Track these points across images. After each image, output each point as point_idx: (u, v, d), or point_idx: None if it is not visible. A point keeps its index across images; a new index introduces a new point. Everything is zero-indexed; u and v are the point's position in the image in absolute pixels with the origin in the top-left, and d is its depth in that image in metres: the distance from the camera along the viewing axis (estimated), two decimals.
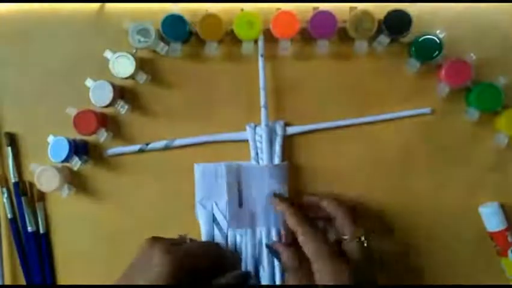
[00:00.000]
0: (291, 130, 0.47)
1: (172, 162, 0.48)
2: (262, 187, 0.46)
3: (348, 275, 0.38)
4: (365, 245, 0.41)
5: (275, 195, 0.45)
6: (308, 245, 0.40)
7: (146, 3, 0.47)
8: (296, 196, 0.47)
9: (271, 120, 0.47)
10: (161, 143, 0.48)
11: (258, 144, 0.46)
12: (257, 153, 0.46)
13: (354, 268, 0.39)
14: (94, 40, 0.48)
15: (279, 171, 0.46)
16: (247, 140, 0.47)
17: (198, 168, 0.48)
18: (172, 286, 0.37)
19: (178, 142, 0.48)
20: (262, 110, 0.45)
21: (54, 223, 0.49)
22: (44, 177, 0.46)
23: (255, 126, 0.47)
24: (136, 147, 0.48)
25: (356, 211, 0.46)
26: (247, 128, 0.47)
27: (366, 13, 0.43)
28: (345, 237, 0.41)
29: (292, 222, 0.42)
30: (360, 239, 0.41)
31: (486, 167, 0.47)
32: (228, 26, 0.45)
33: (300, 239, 0.41)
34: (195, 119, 0.48)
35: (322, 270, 0.39)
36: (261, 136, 0.46)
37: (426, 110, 0.46)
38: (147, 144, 0.48)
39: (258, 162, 0.46)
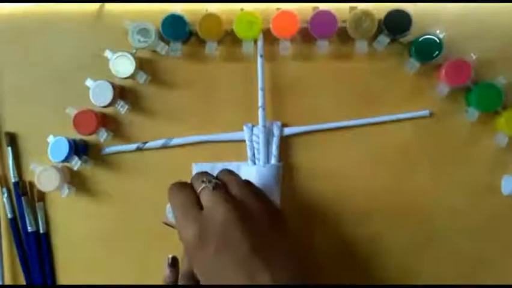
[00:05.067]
0: (288, 131, 0.47)
1: (171, 162, 0.48)
2: None
3: (196, 226, 0.34)
4: (211, 188, 0.36)
5: None
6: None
7: (146, 3, 0.47)
8: (292, 197, 0.47)
9: (270, 121, 0.46)
10: (159, 142, 0.48)
11: (255, 145, 0.46)
12: (254, 154, 0.46)
13: (206, 220, 0.34)
14: (94, 40, 0.48)
15: (269, 172, 0.45)
16: (244, 140, 0.47)
17: (196, 168, 0.48)
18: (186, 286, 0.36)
19: (175, 141, 0.48)
20: (260, 111, 0.45)
21: (54, 223, 0.49)
22: (44, 177, 0.46)
23: (252, 126, 0.47)
24: (133, 145, 0.48)
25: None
26: (244, 128, 0.47)
27: (366, 13, 0.43)
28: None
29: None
30: (206, 185, 0.36)
31: (486, 167, 0.47)
32: (228, 26, 0.45)
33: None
34: (195, 119, 0.48)
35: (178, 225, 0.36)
36: (258, 136, 0.46)
37: (425, 112, 0.46)
38: (144, 143, 0.48)
39: (255, 163, 0.46)
